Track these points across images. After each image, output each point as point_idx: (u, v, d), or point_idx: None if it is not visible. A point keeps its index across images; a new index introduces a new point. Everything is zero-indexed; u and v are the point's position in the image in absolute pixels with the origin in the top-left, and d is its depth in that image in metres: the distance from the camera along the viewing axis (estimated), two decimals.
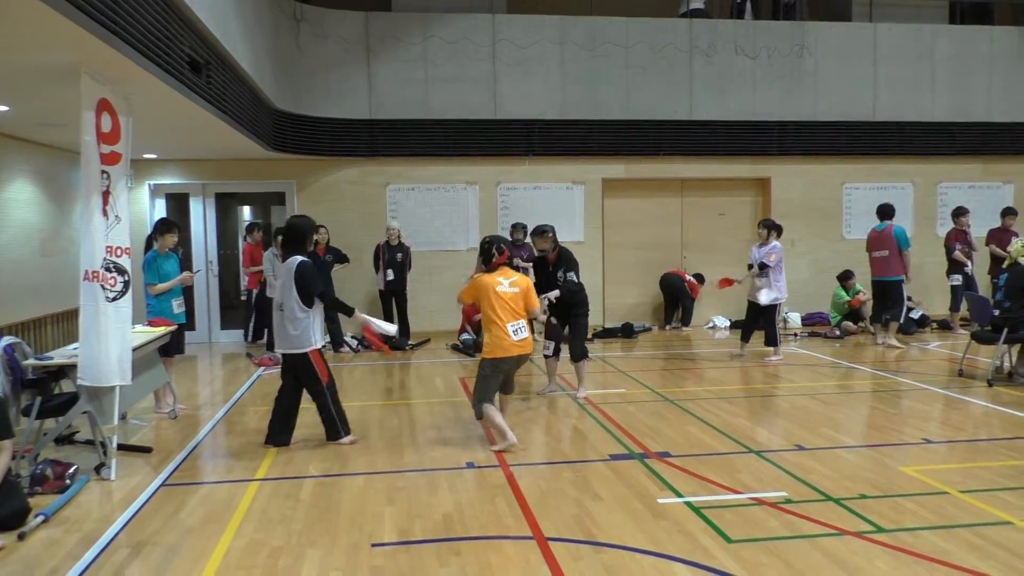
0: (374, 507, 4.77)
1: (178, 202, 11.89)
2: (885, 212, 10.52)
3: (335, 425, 6.13)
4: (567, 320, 7.78)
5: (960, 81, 13.06)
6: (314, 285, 5.94)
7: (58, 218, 9.76)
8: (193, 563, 4.01)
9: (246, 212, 14.02)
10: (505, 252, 6.04)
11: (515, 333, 5.91)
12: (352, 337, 10.98)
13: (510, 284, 6.01)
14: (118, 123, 5.45)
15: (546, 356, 7.99)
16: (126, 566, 3.99)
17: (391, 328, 6.43)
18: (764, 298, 9.48)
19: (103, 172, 5.33)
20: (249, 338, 11.61)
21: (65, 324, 9.58)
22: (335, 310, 6.10)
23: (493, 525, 4.45)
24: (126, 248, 5.50)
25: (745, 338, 9.88)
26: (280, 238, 10.22)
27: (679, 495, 4.90)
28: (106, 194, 5.35)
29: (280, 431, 6.14)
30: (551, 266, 7.65)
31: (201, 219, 11.84)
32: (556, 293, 7.49)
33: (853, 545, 4.11)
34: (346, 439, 6.14)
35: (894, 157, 12.94)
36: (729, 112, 12.47)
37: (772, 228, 9.62)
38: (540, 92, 12.11)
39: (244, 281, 12.14)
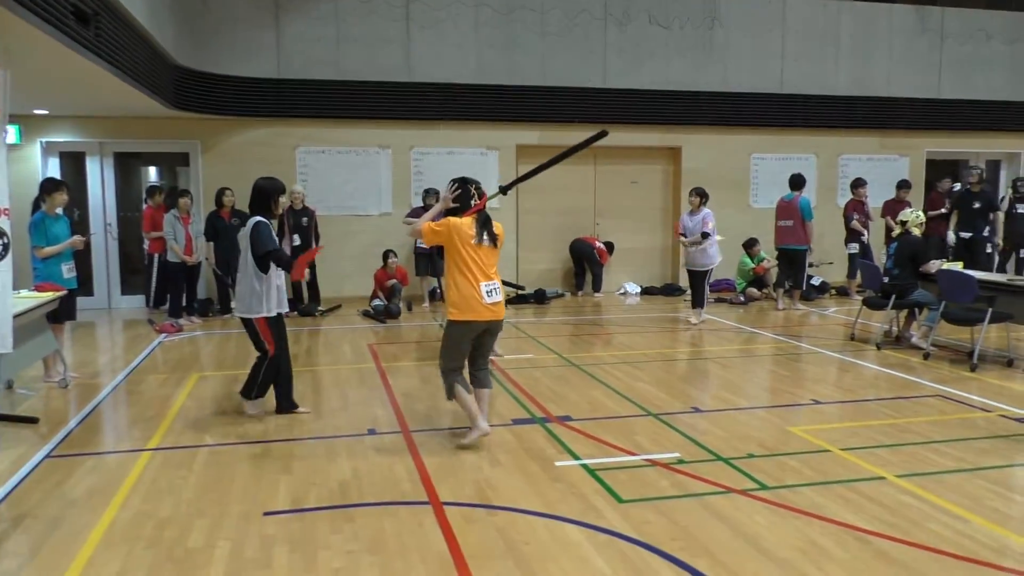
0: (269, 476, 4.71)
1: (74, 161, 11.32)
2: (796, 183, 10.89)
3: (251, 384, 5.88)
4: None
5: (862, 56, 13.50)
6: (261, 242, 5.62)
7: None
8: (75, 536, 3.88)
9: (152, 173, 13.43)
10: (484, 196, 5.17)
11: (488, 295, 5.02)
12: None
13: (487, 237, 5.12)
14: None
15: None
16: (4, 539, 3.83)
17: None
18: (702, 262, 9.77)
19: None
20: (151, 304, 11.21)
21: None
22: (281, 265, 5.71)
23: (389, 491, 4.45)
24: (4, 208, 5.19)
25: (699, 304, 10.06)
26: (182, 200, 9.93)
27: (576, 458, 4.99)
28: None
29: (280, 396, 6.05)
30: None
31: (99, 179, 11.31)
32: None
33: (738, 502, 4.27)
34: (249, 407, 5.91)
35: (799, 129, 13.32)
36: (642, 81, 12.58)
37: (703, 196, 9.81)
38: (455, 56, 11.96)
39: (147, 245, 11.70)
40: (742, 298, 11.89)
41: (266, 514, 4.13)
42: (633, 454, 5.03)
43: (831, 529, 3.93)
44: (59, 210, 7.14)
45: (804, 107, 13.18)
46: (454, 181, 5.16)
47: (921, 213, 8.67)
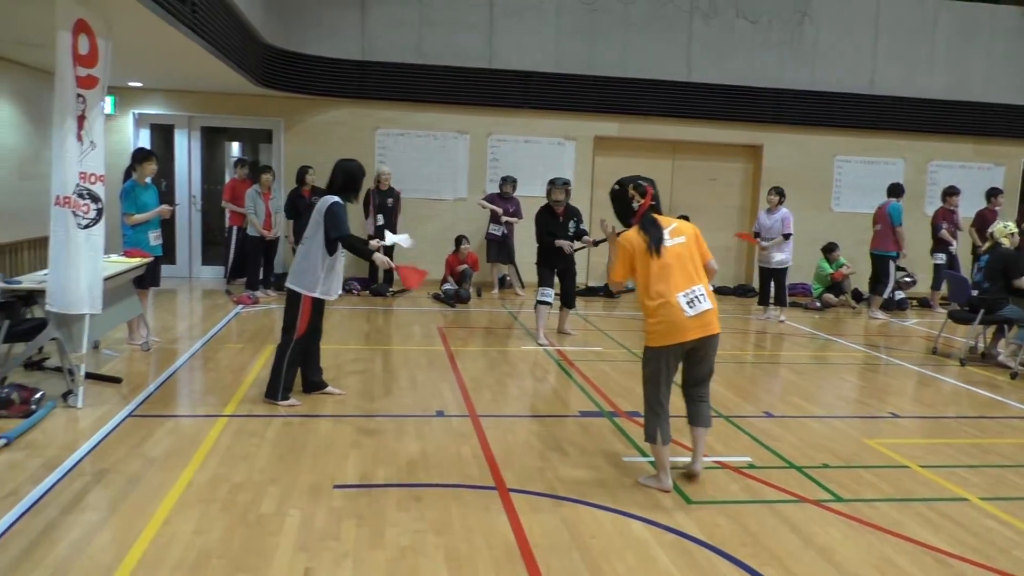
0: (339, 449, 4.78)
1: (163, 133, 11.69)
2: (890, 190, 10.69)
3: (276, 384, 5.61)
4: (562, 272, 8.10)
5: (959, 58, 12.93)
6: (336, 225, 5.45)
7: (38, 141, 9.57)
8: (153, 494, 4.00)
9: (234, 148, 13.76)
10: (649, 191, 4.37)
11: (690, 304, 4.13)
12: (352, 280, 10.92)
13: (671, 233, 4.29)
14: (96, 45, 5.29)
15: (545, 304, 8.07)
16: (87, 492, 3.98)
17: (405, 239, 6.09)
18: (777, 261, 9.78)
19: (78, 96, 5.19)
20: (228, 275, 11.52)
21: (41, 250, 9.46)
22: (356, 252, 5.57)
23: (456, 473, 4.47)
24: (100, 175, 5.38)
25: (764, 303, 10.25)
26: (264, 176, 10.16)
27: (644, 455, 4.93)
28: (81, 118, 5.22)
29: (312, 372, 5.97)
30: (560, 218, 8.02)
31: (186, 152, 11.65)
32: (603, 238, 7.50)
33: (810, 512, 4.15)
34: (282, 403, 5.60)
35: (888, 132, 12.86)
36: (726, 76, 12.31)
37: (781, 195, 9.71)
38: (536, 43, 11.91)
39: (228, 218, 12.02)
40: (818, 303, 11.56)
41: (336, 487, 4.20)
42: (703, 456, 4.93)
43: (908, 548, 3.78)
44: (148, 179, 7.37)
45: (894, 109, 12.70)
46: (614, 186, 4.47)
47: (1012, 224, 8.26)
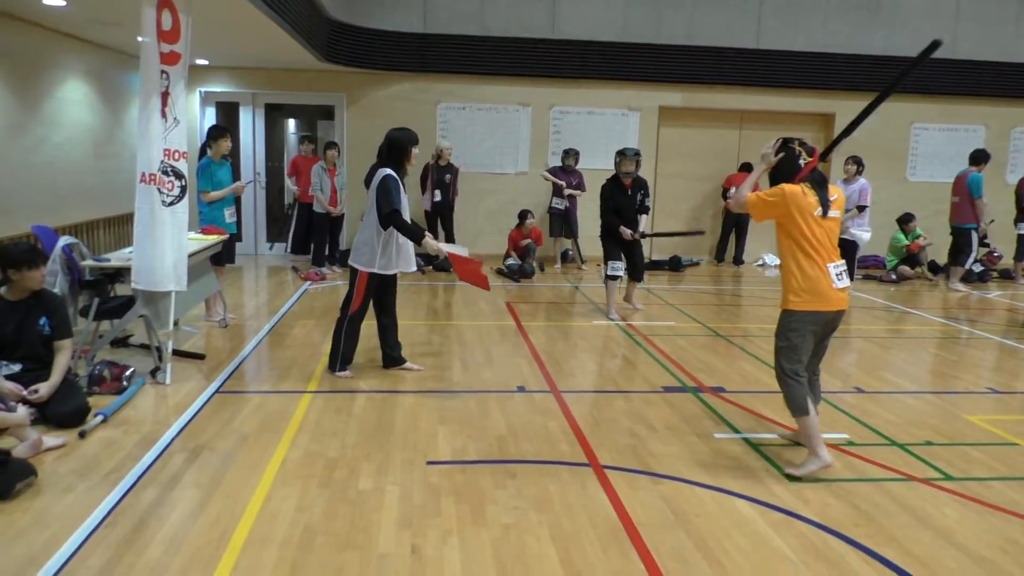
0: (426, 425, 4.74)
1: (228, 111, 11.77)
2: (973, 158, 10.23)
3: (335, 356, 5.69)
4: (629, 244, 7.88)
5: None
6: (385, 200, 5.35)
7: (111, 120, 9.71)
8: (250, 470, 4.01)
9: (291, 125, 13.81)
10: (816, 153, 4.18)
11: (838, 278, 4.08)
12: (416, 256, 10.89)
13: (834, 204, 4.14)
14: (179, 21, 5.27)
15: (615, 278, 7.93)
16: (185, 470, 4.00)
17: (462, 250, 5.79)
18: (860, 235, 9.08)
19: (162, 72, 5.20)
20: (289, 249, 11.58)
21: (117, 228, 9.65)
22: (402, 232, 5.42)
23: (548, 450, 4.40)
24: (184, 152, 5.39)
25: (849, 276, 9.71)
26: (329, 152, 10.16)
27: (736, 431, 4.79)
28: (165, 95, 5.23)
29: (384, 356, 5.96)
30: (628, 190, 7.80)
31: (250, 129, 11.73)
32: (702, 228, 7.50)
33: (921, 491, 3.98)
34: (341, 374, 5.69)
35: (968, 98, 12.31)
36: (797, 42, 11.90)
37: (859, 164, 9.26)
38: (600, 12, 11.65)
39: (288, 194, 12.09)
40: (893, 276, 11.19)
41: (429, 463, 4.16)
42: (795, 430, 4.77)
43: None
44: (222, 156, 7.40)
45: (975, 73, 12.14)
46: (777, 141, 4.26)
47: None
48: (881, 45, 12.02)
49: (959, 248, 10.37)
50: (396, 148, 5.58)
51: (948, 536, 3.51)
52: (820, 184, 4.10)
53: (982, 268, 11.18)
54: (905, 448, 4.59)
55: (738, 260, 12.26)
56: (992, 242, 11.42)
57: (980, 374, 6.38)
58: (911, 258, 11.34)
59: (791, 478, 4.08)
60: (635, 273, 8.12)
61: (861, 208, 9.19)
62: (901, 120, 12.35)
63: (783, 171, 4.15)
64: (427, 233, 5.52)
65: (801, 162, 4.11)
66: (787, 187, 4.07)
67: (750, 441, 4.62)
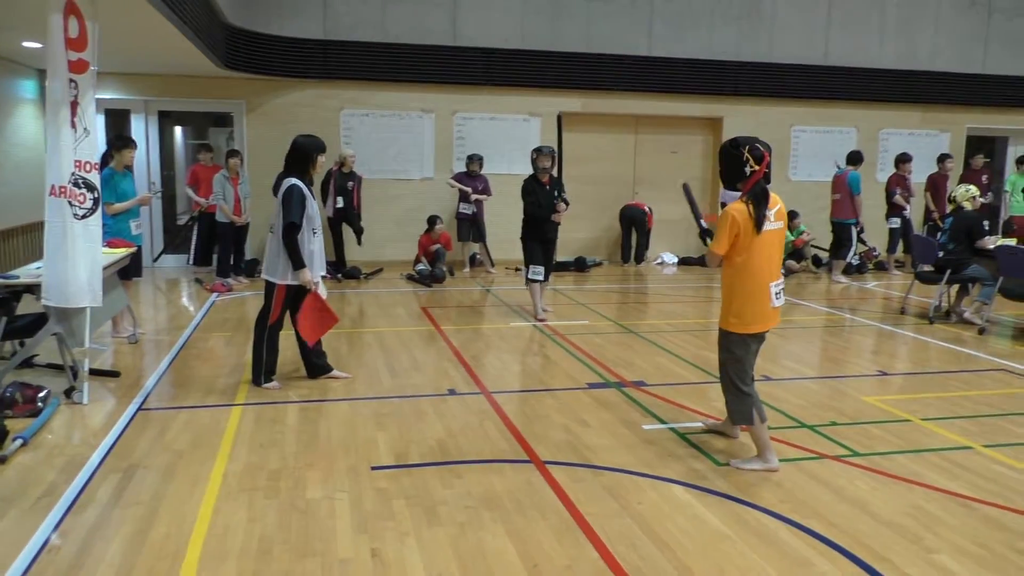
0: (364, 432, 4.78)
1: (118, 119, 11.29)
2: (850, 158, 11.07)
3: (259, 369, 5.63)
4: (547, 244, 8.05)
5: (908, 29, 13.36)
6: (287, 212, 5.33)
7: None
8: (192, 485, 3.95)
9: (178, 133, 13.31)
10: (765, 158, 4.05)
11: (776, 297, 4.13)
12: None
13: (775, 215, 4.10)
14: (85, 28, 5.09)
15: (537, 281, 8.08)
16: (123, 489, 3.90)
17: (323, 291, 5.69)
18: None
19: (71, 81, 5.01)
20: (191, 262, 11.27)
21: (4, 243, 9.10)
22: (288, 249, 5.32)
23: (489, 449, 4.52)
24: (95, 163, 5.21)
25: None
26: (232, 160, 9.92)
27: (662, 421, 5.06)
28: (74, 105, 5.04)
29: (307, 364, 5.90)
30: (547, 187, 7.93)
31: (143, 138, 11.28)
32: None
33: (834, 468, 4.34)
34: (268, 386, 5.63)
35: (841, 102, 13.23)
36: (687, 50, 12.48)
37: None
38: (500, 20, 11.87)
39: (181, 204, 11.74)
40: (781, 271, 11.88)
41: (374, 468, 4.21)
42: (718, 419, 5.08)
43: (934, 496, 3.99)
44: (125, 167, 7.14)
45: (847, 79, 13.07)
46: (727, 145, 4.12)
47: (973, 188, 8.62)
48: (763, 52, 12.76)
49: (839, 242, 11.17)
50: (301, 156, 5.55)
51: (862, 506, 3.85)
52: (761, 199, 4.04)
53: (860, 261, 12.03)
54: (814, 429, 4.97)
55: (639, 259, 12.72)
56: (867, 238, 12.30)
57: (868, 358, 6.93)
58: (796, 253, 12.09)
59: (718, 463, 4.36)
60: (544, 275, 8.20)
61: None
62: (783, 123, 13.15)
63: (728, 175, 4.15)
64: (305, 267, 5.43)
65: (747, 170, 4.04)
66: (732, 211, 4.05)
67: (676, 431, 4.89)
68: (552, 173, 8.01)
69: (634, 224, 12.59)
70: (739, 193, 4.13)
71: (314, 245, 5.56)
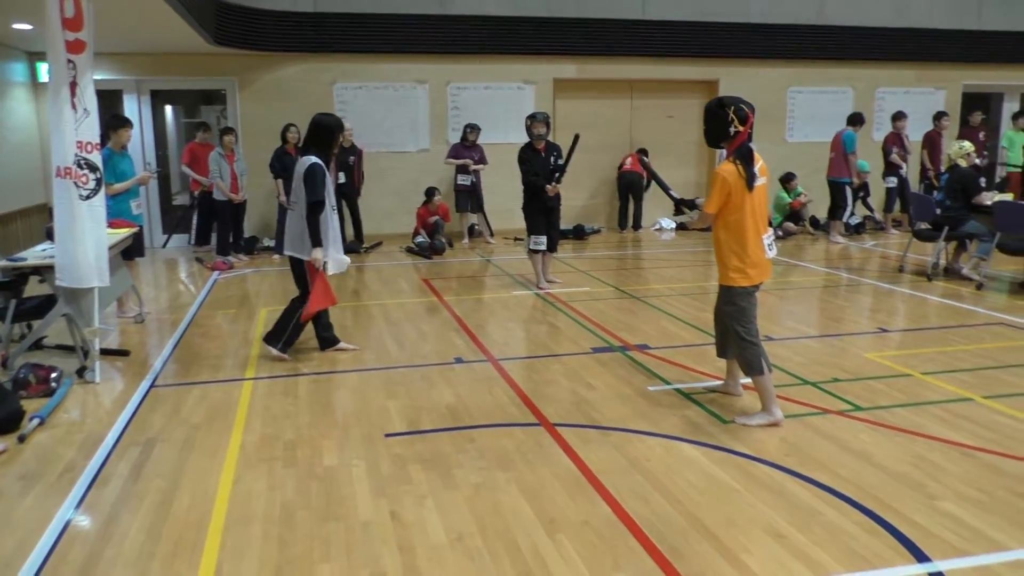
0: (376, 401, 4.85)
1: (110, 100, 11.21)
2: (849, 119, 11.12)
3: (280, 335, 5.69)
4: (549, 212, 8.04)
5: None
6: (312, 190, 5.38)
7: None
8: (211, 457, 4.03)
9: (169, 112, 13.21)
10: (750, 119, 4.21)
11: (769, 248, 4.34)
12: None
13: (759, 171, 4.26)
14: (80, 7, 5.07)
15: (539, 251, 8.11)
16: (143, 463, 3.98)
17: (343, 263, 5.74)
18: None
19: (69, 62, 5.01)
20: (192, 242, 11.30)
21: (2, 228, 9.12)
22: (310, 227, 5.42)
23: (499, 414, 4.60)
24: (96, 144, 5.23)
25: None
26: (227, 138, 9.90)
27: (667, 383, 5.14)
28: (73, 85, 5.05)
29: (320, 338, 5.93)
30: (542, 154, 7.91)
31: (137, 118, 11.22)
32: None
33: (837, 422, 4.43)
34: (278, 352, 5.70)
35: (836, 62, 13.18)
36: (682, 12, 12.38)
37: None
38: None
39: (177, 183, 11.75)
40: (779, 232, 11.94)
41: (387, 435, 4.29)
42: (721, 379, 5.17)
43: (936, 446, 4.08)
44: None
45: (842, 38, 13.00)
46: (714, 104, 4.26)
47: (968, 144, 8.65)
48: (758, 12, 12.66)
49: (835, 203, 11.18)
50: (325, 134, 5.60)
51: (867, 458, 3.95)
52: (748, 158, 4.21)
53: (858, 220, 12.08)
54: (817, 385, 5.06)
55: (636, 225, 12.75)
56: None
57: (871, 316, 7.01)
58: (794, 215, 12.13)
59: (724, 420, 4.45)
60: (552, 245, 8.23)
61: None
62: (778, 85, 13.11)
63: (712, 135, 4.29)
64: (321, 246, 5.48)
65: (731, 130, 4.18)
66: (723, 171, 4.21)
67: (681, 391, 4.98)
68: (548, 139, 8.00)
69: (631, 191, 12.59)
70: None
71: (335, 222, 5.67)
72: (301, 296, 5.74)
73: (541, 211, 7.98)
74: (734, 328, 4.44)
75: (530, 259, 8.31)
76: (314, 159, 5.50)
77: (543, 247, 8.05)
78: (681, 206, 5.05)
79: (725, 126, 4.19)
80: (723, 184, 4.21)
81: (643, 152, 12.42)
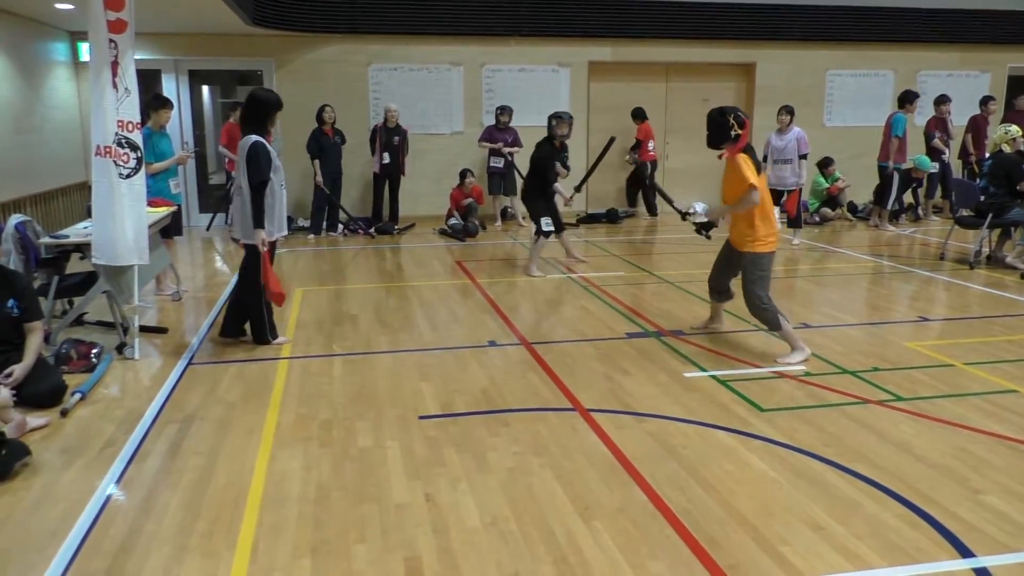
0: (409, 383, 4.87)
1: (149, 80, 11.32)
2: (899, 98, 10.66)
3: (264, 328, 5.58)
4: (549, 197, 8.14)
5: None
6: (256, 171, 5.19)
7: (30, 94, 9.26)
8: (248, 435, 4.07)
9: (205, 92, 13.33)
10: (747, 124, 5.20)
11: (779, 220, 5.68)
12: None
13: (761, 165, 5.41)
14: None
15: (549, 233, 8.07)
16: (181, 439, 4.03)
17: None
18: (792, 182, 9.50)
19: (111, 41, 5.05)
20: (229, 222, 11.39)
21: (44, 205, 9.27)
22: (254, 206, 5.21)
23: (532, 398, 4.59)
24: (137, 123, 5.28)
25: (796, 224, 10.00)
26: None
27: (703, 369, 5.09)
28: (114, 65, 5.09)
29: (230, 322, 5.74)
30: (559, 152, 8.09)
31: (175, 97, 11.31)
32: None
33: (877, 412, 4.35)
34: (279, 340, 5.66)
35: (877, 44, 12.89)
36: None
37: (792, 114, 9.48)
38: None
39: (213, 163, 11.85)
40: (816, 218, 11.76)
41: (421, 418, 4.30)
42: (758, 366, 5.11)
43: (979, 438, 4.00)
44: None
45: (884, 20, 12.70)
46: (716, 112, 5.17)
47: (1015, 128, 8.40)
48: None
49: (882, 187, 10.89)
50: (261, 110, 5.39)
51: (908, 449, 3.88)
52: (752, 152, 5.20)
53: (896, 208, 11.82)
54: (856, 375, 4.97)
55: (652, 211, 12.50)
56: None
57: (912, 304, 6.88)
58: (831, 200, 11.92)
59: (761, 408, 4.39)
60: (560, 226, 8.19)
61: (803, 157, 9.50)
62: (816, 68, 12.86)
63: (714, 138, 5.17)
64: (263, 227, 5.31)
65: (733, 134, 5.05)
66: (742, 157, 5.09)
67: (717, 378, 4.92)
68: (566, 141, 8.17)
69: (639, 178, 12.41)
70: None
71: (281, 202, 5.44)
72: (253, 282, 5.46)
73: (544, 199, 8.03)
74: (756, 294, 5.21)
75: (535, 243, 8.17)
76: (256, 138, 5.30)
77: (552, 228, 7.99)
78: (701, 230, 6.33)
79: (727, 131, 5.07)
80: (746, 160, 5.08)
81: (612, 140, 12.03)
